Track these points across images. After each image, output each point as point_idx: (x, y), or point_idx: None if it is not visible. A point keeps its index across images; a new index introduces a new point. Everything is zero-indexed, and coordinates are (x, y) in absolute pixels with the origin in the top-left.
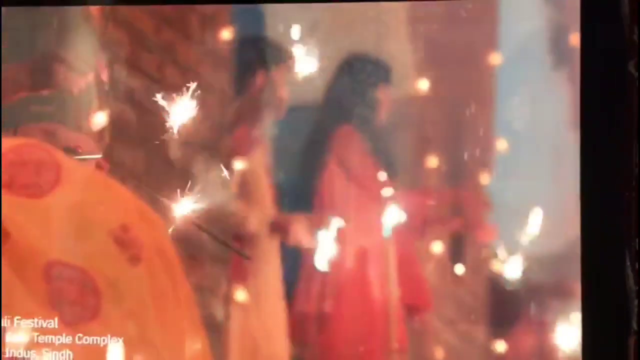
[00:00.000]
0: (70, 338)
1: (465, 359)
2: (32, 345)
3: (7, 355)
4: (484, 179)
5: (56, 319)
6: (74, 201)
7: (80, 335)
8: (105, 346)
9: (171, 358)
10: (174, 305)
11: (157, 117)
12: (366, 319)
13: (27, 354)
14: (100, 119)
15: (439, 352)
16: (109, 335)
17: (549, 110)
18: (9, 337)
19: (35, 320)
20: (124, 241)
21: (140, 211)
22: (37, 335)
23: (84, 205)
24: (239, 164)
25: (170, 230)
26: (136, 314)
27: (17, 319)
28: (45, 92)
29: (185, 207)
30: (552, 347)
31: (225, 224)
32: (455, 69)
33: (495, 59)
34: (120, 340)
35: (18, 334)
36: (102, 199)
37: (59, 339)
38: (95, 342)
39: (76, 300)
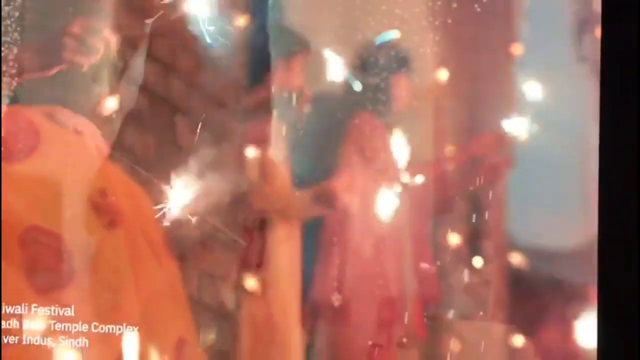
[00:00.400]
0: (87, 326)
1: (482, 352)
2: (49, 333)
3: (24, 343)
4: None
5: (72, 307)
6: (52, 167)
7: (96, 323)
8: (121, 335)
9: (148, 329)
10: (155, 280)
11: (168, 102)
12: (382, 307)
13: (43, 342)
14: (110, 104)
15: (455, 345)
16: (124, 324)
17: (570, 103)
18: (25, 325)
19: (52, 308)
20: (101, 207)
21: (121, 180)
22: (54, 323)
23: (62, 170)
24: (255, 152)
25: (157, 210)
26: (111, 282)
27: (34, 307)
28: (54, 71)
29: (181, 193)
30: (568, 344)
31: (241, 211)
32: (476, 59)
33: (517, 49)
34: (136, 330)
35: (35, 322)
36: (81, 165)
37: (75, 327)
38: (110, 330)
39: (50, 267)
